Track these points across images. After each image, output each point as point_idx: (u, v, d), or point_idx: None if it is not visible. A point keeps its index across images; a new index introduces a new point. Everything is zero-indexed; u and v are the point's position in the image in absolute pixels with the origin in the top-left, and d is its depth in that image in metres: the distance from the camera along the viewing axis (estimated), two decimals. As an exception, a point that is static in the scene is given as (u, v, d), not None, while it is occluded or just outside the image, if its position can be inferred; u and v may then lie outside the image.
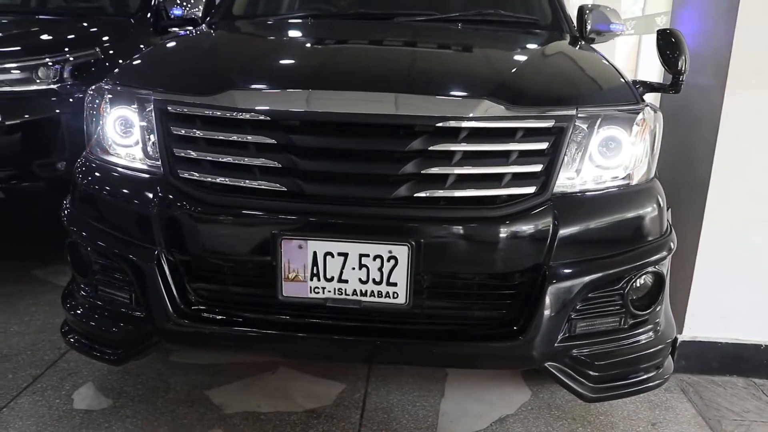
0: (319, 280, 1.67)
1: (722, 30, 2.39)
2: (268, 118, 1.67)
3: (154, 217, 1.74)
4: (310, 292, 1.68)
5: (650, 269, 1.80)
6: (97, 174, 1.89)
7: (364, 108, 1.68)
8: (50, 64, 3.04)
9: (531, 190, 1.68)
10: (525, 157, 1.69)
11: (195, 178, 1.73)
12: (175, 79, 1.92)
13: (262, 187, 1.69)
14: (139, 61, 2.14)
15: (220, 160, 1.71)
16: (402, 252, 1.63)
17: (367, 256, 1.64)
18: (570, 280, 1.68)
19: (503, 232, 1.64)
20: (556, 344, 1.70)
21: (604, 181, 1.79)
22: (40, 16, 3.88)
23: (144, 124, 1.83)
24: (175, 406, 2.24)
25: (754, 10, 2.28)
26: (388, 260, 1.64)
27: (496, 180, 1.67)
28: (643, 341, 1.84)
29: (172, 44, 2.54)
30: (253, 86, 1.79)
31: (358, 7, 2.84)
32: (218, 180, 1.71)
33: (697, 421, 2.30)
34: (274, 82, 1.84)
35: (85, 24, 3.55)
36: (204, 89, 1.76)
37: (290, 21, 2.80)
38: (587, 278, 1.70)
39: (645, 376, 1.87)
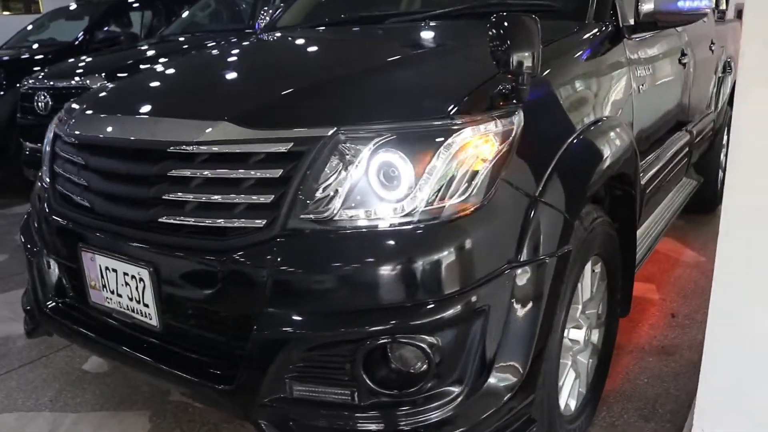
0: (107, 291, 1.77)
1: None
2: (76, 141, 1.83)
3: (39, 220, 2.04)
4: (105, 302, 1.80)
5: (409, 339, 1.41)
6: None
7: (126, 132, 1.70)
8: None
9: (260, 223, 1.49)
10: (257, 186, 1.50)
11: (58, 189, 1.98)
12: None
13: (79, 201, 1.85)
14: None
15: (64, 174, 1.93)
16: (145, 275, 1.63)
17: (128, 275, 1.68)
18: (280, 334, 1.44)
19: (220, 268, 1.51)
20: (265, 401, 1.47)
21: (381, 217, 1.46)
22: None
23: None
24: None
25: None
26: (140, 281, 1.65)
27: (226, 209, 1.52)
28: (418, 423, 1.45)
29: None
30: (91, 111, 1.94)
31: (360, 12, 2.71)
32: (64, 191, 1.93)
33: None
34: (100, 106, 1.97)
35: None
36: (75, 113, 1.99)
37: (285, 31, 2.83)
38: (300, 335, 1.43)
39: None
